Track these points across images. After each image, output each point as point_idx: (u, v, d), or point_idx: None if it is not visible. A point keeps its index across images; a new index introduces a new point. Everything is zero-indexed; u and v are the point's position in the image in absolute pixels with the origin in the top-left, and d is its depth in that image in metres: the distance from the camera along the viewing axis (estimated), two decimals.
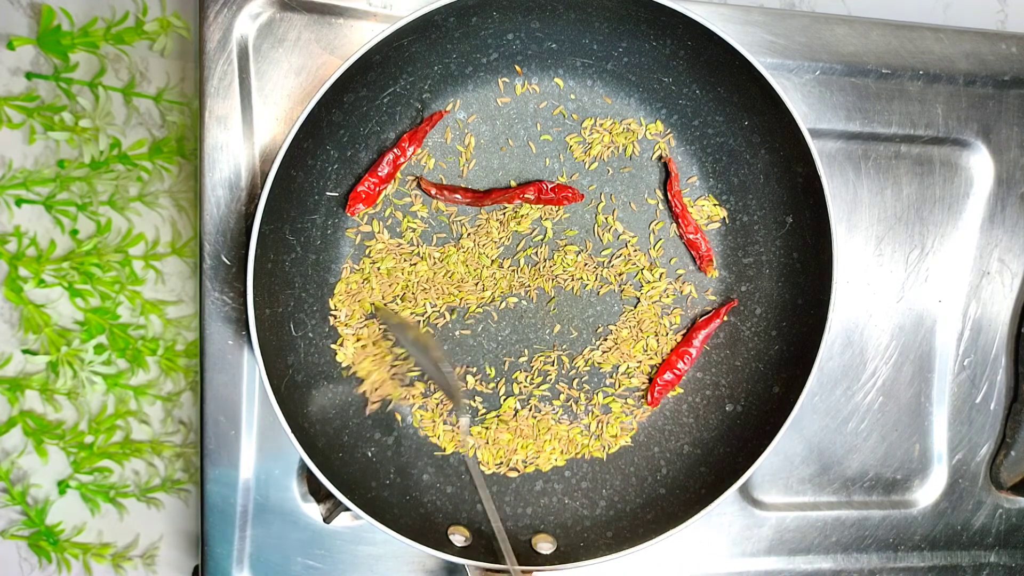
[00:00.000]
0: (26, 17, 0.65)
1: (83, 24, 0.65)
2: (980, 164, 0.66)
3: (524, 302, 0.58)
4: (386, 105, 0.54)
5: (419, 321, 0.57)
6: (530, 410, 0.59)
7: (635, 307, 0.59)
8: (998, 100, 0.65)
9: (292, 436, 0.49)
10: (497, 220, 0.57)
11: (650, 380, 0.60)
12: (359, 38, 0.57)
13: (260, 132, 0.55)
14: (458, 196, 0.56)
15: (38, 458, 0.68)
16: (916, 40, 0.63)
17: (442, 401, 0.58)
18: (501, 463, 0.58)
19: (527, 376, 0.59)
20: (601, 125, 0.58)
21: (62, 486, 0.69)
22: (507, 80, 0.57)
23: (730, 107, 0.56)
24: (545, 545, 0.55)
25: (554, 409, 0.59)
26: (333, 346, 0.56)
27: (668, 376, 0.59)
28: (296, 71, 0.56)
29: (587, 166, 0.58)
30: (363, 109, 0.54)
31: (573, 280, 0.59)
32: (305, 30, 0.56)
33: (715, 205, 0.59)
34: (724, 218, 0.59)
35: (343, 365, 0.56)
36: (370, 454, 0.56)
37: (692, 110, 0.57)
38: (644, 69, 0.56)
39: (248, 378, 0.57)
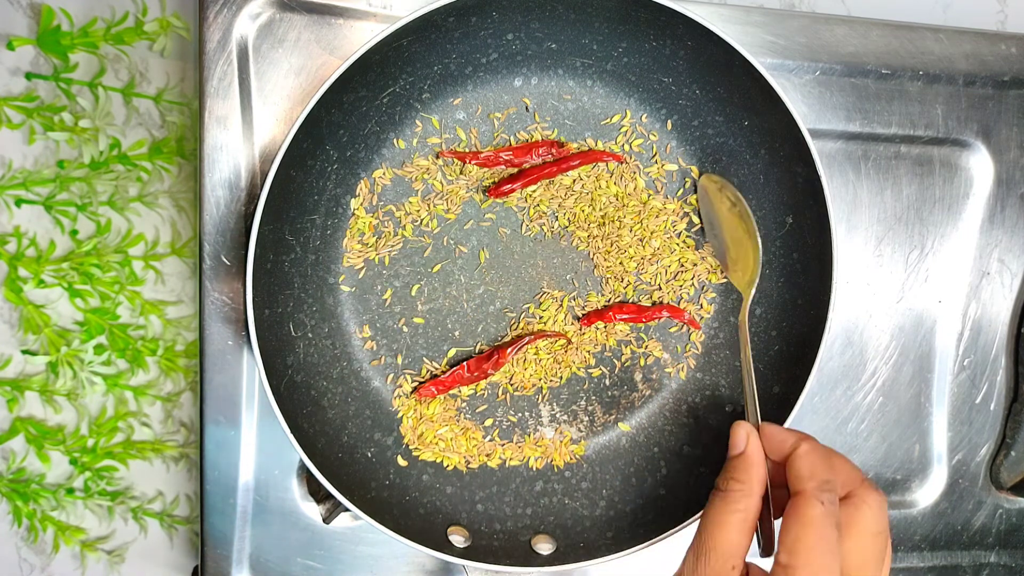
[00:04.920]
0: (26, 17, 0.65)
1: (83, 24, 0.65)
2: (980, 164, 0.66)
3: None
4: (386, 105, 0.54)
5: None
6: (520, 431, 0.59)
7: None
8: (998, 100, 0.65)
9: (291, 436, 0.49)
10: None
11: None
12: (359, 38, 0.57)
13: (260, 132, 0.55)
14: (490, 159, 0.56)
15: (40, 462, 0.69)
16: (916, 40, 0.63)
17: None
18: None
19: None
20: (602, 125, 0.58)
21: (69, 495, 0.69)
22: (507, 80, 0.57)
23: (730, 107, 0.56)
24: (545, 546, 0.55)
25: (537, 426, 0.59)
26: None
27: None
28: (296, 71, 0.56)
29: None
30: (363, 109, 0.54)
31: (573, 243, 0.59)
32: (305, 30, 0.56)
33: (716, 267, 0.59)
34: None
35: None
36: (370, 454, 0.56)
37: (692, 110, 0.57)
38: (644, 69, 0.56)
39: (248, 378, 0.57)
